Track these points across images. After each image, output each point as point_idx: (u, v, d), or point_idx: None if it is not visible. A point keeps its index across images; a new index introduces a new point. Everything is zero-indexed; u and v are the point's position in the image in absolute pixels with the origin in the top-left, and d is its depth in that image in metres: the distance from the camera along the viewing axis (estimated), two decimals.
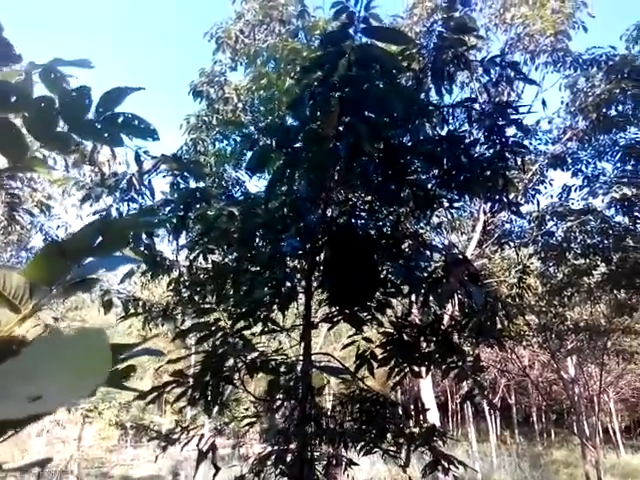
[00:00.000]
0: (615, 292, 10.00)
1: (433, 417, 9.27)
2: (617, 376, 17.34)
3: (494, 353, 16.22)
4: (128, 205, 3.35)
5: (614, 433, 24.72)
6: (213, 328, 2.87)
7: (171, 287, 3.85)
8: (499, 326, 3.37)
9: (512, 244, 10.20)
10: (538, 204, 9.68)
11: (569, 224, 9.28)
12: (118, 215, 3.36)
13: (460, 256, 3.12)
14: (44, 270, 0.95)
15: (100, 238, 1.00)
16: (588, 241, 9.36)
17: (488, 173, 3.32)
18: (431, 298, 3.04)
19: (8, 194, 7.14)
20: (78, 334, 0.45)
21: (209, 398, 2.81)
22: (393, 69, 2.59)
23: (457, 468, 3.13)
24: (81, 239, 1.00)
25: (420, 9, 8.88)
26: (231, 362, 2.85)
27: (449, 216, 9.61)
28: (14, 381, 0.40)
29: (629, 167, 9.34)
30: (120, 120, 1.40)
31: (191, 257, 3.40)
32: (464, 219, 11.69)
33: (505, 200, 3.66)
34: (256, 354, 2.94)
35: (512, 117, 3.42)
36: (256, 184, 7.45)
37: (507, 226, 10.71)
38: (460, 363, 3.19)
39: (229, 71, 8.10)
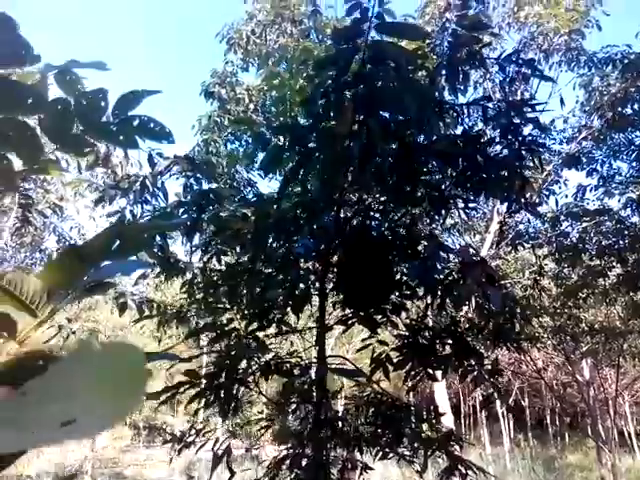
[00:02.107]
0: (631, 293, 9.85)
1: (447, 421, 9.19)
2: (633, 379, 17.10)
3: (507, 355, 16.06)
4: (142, 207, 3.35)
5: (629, 436, 24.35)
6: (226, 329, 2.85)
7: (185, 289, 3.84)
8: (517, 329, 3.32)
9: (526, 245, 10.08)
10: (557, 204, 9.56)
11: (584, 225, 9.16)
12: (132, 217, 3.36)
13: (477, 258, 3.08)
14: (62, 274, 0.93)
15: (118, 242, 0.98)
16: (603, 242, 9.23)
17: (505, 173, 3.27)
18: (447, 300, 3.00)
19: (22, 195, 7.20)
20: (111, 350, 0.42)
21: (223, 400, 2.79)
22: (408, 66, 2.55)
23: (475, 474, 3.08)
24: (99, 243, 0.98)
25: (432, 8, 8.80)
26: (244, 364, 2.83)
27: (463, 216, 9.53)
28: (43, 403, 0.36)
29: None
30: (136, 123, 1.38)
31: (205, 259, 3.39)
32: (477, 220, 11.58)
33: (523, 200, 3.60)
34: (270, 356, 2.91)
35: (529, 115, 3.37)
36: (268, 185, 7.47)
37: (521, 227, 10.60)
38: (477, 367, 3.14)
39: (240, 72, 8.12)
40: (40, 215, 7.72)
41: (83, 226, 10.23)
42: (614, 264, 9.50)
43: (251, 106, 7.35)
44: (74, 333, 5.27)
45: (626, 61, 8.62)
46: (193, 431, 3.10)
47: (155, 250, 3.47)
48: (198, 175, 3.23)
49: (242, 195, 3.57)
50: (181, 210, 3.03)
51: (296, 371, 3.05)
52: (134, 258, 1.15)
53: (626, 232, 8.96)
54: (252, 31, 7.80)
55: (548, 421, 28.94)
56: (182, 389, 2.71)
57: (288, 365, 3.01)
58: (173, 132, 1.44)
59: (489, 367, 3.26)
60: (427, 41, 3.64)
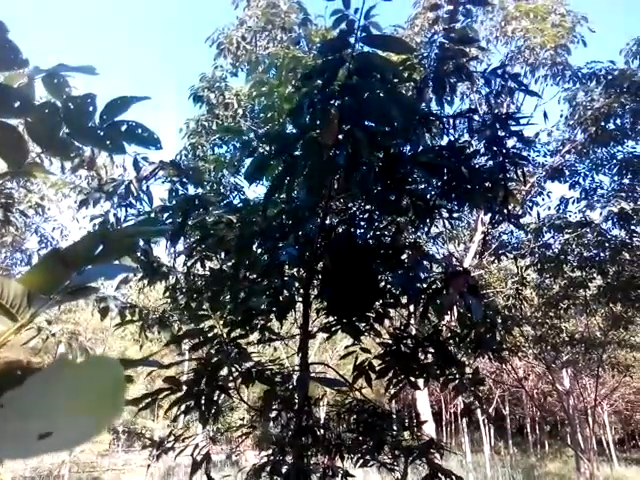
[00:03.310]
0: (611, 305, 10.03)
1: (429, 428, 9.22)
2: (611, 389, 17.36)
3: (489, 364, 16.20)
4: (126, 210, 3.33)
5: (607, 445, 24.67)
6: (208, 335, 2.84)
7: (167, 294, 3.81)
8: (498, 338, 3.36)
9: (509, 255, 10.21)
10: (539, 216, 9.70)
11: (566, 236, 9.31)
12: (115, 220, 3.34)
13: (460, 268, 3.11)
14: (44, 279, 0.93)
15: (101, 247, 0.98)
16: (585, 254, 9.39)
17: (488, 184, 3.32)
18: (430, 309, 3.03)
19: (3, 194, 7.09)
20: (90, 364, 0.42)
21: (203, 407, 2.78)
22: (393, 78, 2.59)
23: None
24: (82, 248, 0.98)
25: (421, 20, 8.92)
26: (225, 371, 2.82)
27: (447, 226, 9.62)
28: (20, 415, 0.37)
29: (626, 180, 9.41)
30: (123, 128, 1.38)
31: (188, 264, 3.38)
32: (461, 229, 11.70)
33: (505, 212, 3.66)
34: (252, 363, 2.90)
35: (513, 128, 3.43)
36: (254, 190, 7.48)
37: (504, 237, 10.73)
38: (459, 375, 3.17)
39: (230, 77, 8.12)
40: (21, 215, 7.61)
41: (66, 227, 10.12)
42: (595, 276, 9.66)
43: (240, 111, 7.35)
44: (54, 335, 5.19)
45: (610, 77, 8.81)
46: (172, 437, 3.07)
47: (139, 254, 3.45)
48: (184, 180, 3.23)
49: (228, 201, 3.57)
50: (165, 215, 3.02)
51: (278, 378, 3.05)
52: (117, 262, 1.15)
53: (607, 245, 9.13)
54: (242, 37, 7.82)
55: (528, 429, 29.23)
56: (162, 395, 2.69)
57: (269, 372, 3.00)
58: (161, 135, 1.44)
59: (470, 376, 3.29)
60: (415, 52, 3.69)
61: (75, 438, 0.34)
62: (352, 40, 2.19)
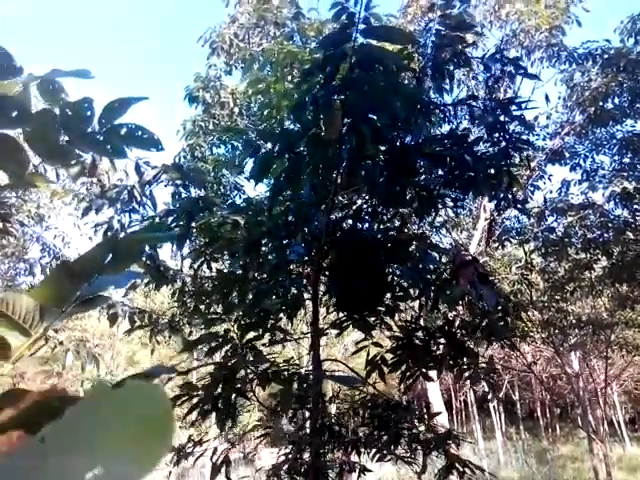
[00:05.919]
0: (617, 285, 9.99)
1: (442, 418, 9.22)
2: (621, 369, 17.34)
3: (497, 350, 16.20)
4: (130, 216, 3.31)
5: (619, 425, 24.68)
6: (223, 339, 2.82)
7: (175, 297, 3.79)
8: (510, 326, 3.35)
9: (513, 241, 10.16)
10: (545, 201, 9.64)
11: (569, 219, 9.26)
12: (120, 226, 3.31)
13: (468, 257, 3.08)
14: (55, 292, 0.90)
15: (110, 256, 0.96)
16: (588, 235, 9.33)
17: (492, 171, 3.28)
18: (440, 300, 3.00)
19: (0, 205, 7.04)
20: (131, 390, 0.38)
21: (221, 411, 2.76)
22: (395, 68, 2.55)
23: (474, 473, 3.08)
24: (91, 259, 0.95)
25: (414, 8, 8.85)
26: (242, 373, 2.80)
27: (451, 215, 9.58)
28: (64, 452, 0.33)
29: (627, 160, 9.35)
30: (123, 131, 1.34)
31: (195, 266, 3.35)
32: (464, 217, 11.66)
33: (510, 197, 3.63)
34: (267, 364, 2.89)
35: (514, 113, 3.39)
36: (254, 188, 7.42)
37: (507, 223, 10.68)
38: (473, 366, 3.14)
39: (224, 75, 8.05)
40: (18, 224, 7.57)
41: (67, 234, 10.07)
42: (599, 257, 9.62)
43: (236, 110, 7.31)
44: (61, 343, 5.20)
45: (606, 56, 8.74)
46: (191, 442, 3.07)
47: (145, 259, 3.42)
48: (186, 182, 3.20)
49: (231, 201, 3.54)
50: (170, 218, 2.99)
51: (294, 378, 3.03)
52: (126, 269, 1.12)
53: (610, 225, 9.08)
54: (235, 34, 7.75)
55: (539, 413, 29.26)
56: (180, 402, 2.68)
57: (286, 373, 2.98)
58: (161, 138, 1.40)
59: (484, 365, 3.27)
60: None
61: (126, 476, 0.30)
62: (352, 33, 2.15)
